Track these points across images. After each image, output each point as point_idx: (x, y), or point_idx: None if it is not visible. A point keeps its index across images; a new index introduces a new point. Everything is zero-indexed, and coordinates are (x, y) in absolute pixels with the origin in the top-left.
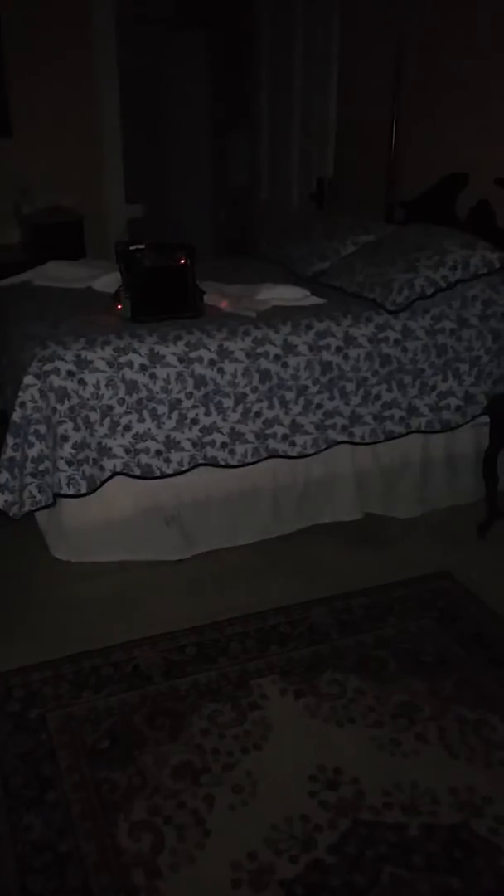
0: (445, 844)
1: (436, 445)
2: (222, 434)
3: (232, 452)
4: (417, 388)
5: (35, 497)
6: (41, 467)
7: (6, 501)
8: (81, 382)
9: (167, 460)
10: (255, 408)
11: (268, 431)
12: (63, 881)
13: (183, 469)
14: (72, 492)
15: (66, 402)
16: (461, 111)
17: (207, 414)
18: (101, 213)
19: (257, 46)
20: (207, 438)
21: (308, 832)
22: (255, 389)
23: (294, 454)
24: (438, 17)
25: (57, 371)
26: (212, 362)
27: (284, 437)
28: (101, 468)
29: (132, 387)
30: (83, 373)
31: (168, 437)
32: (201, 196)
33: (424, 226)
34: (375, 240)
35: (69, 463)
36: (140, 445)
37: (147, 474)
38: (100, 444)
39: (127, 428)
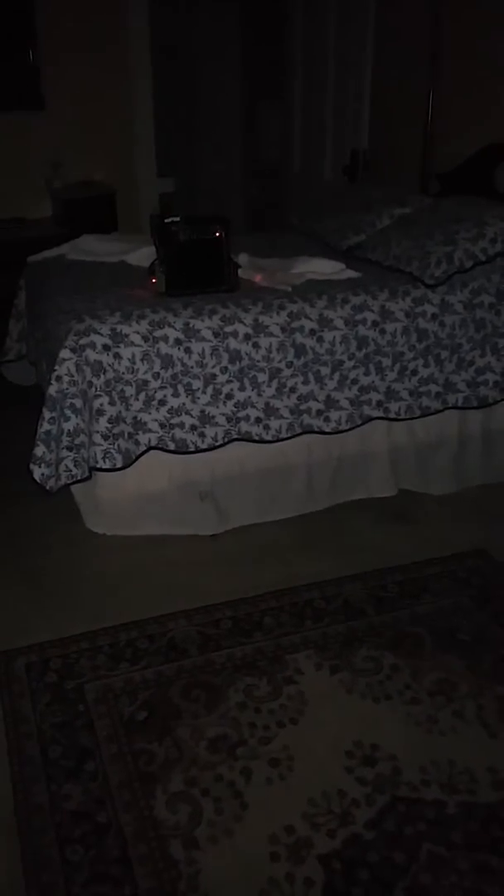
0: (484, 823)
1: (472, 421)
2: (257, 409)
3: (266, 428)
4: (455, 364)
5: (71, 470)
6: (77, 441)
7: (43, 475)
8: (117, 356)
9: (202, 435)
10: (290, 383)
11: (302, 407)
12: (102, 851)
13: (217, 444)
14: (107, 466)
15: (102, 375)
16: (500, 80)
17: (242, 389)
18: (132, 187)
19: (290, 14)
20: (242, 413)
21: (345, 807)
22: (290, 364)
23: (329, 430)
24: None
25: (93, 345)
26: (247, 337)
27: (319, 412)
28: (137, 442)
29: (167, 361)
30: (119, 347)
31: (203, 411)
32: (232, 169)
33: (462, 198)
34: (412, 212)
35: (105, 437)
36: (175, 420)
37: (181, 449)
38: (135, 418)
39: (162, 402)
